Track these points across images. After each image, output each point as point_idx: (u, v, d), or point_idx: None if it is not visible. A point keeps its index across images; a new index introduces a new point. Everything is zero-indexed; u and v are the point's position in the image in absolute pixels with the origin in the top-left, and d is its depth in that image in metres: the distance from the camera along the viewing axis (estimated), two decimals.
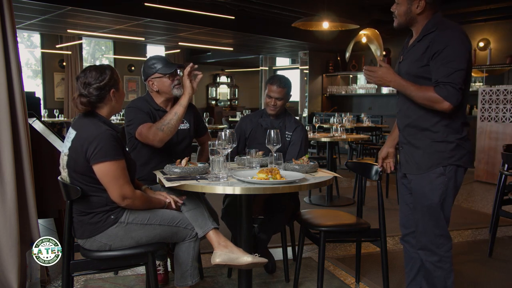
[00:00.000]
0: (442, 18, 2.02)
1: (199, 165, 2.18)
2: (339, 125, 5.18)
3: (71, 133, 1.98)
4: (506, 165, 3.35)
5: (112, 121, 2.16)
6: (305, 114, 10.87)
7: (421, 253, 2.12)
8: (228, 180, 1.97)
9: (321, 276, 2.39)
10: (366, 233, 2.50)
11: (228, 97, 15.51)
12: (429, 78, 1.96)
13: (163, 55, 13.38)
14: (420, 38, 2.03)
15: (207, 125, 7.34)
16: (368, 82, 2.17)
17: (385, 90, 10.21)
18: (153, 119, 2.48)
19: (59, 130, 8.53)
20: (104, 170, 1.89)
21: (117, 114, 8.08)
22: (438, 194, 2.02)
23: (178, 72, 2.58)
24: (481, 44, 8.64)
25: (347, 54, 6.94)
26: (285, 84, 2.83)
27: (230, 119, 10.47)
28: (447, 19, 2.03)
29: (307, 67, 10.87)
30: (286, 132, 2.88)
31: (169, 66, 2.51)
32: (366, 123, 7.20)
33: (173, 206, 2.10)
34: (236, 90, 15.63)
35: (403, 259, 2.33)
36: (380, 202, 2.46)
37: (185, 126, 2.63)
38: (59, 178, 2.02)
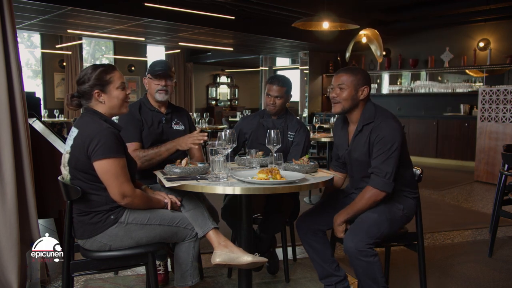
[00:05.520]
0: (375, 107, 2.27)
1: (199, 165, 2.19)
2: None
3: (73, 132, 1.98)
4: (506, 165, 3.35)
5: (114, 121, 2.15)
6: (305, 114, 10.86)
7: (350, 252, 2.13)
8: (228, 180, 1.97)
9: None
10: (405, 238, 2.38)
11: (228, 97, 15.52)
12: None
13: (163, 55, 13.36)
14: (361, 128, 2.23)
15: (207, 125, 7.43)
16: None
17: (385, 90, 10.21)
18: (145, 122, 2.56)
19: (59, 130, 8.51)
20: (105, 167, 1.89)
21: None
22: (387, 218, 2.17)
23: (172, 81, 2.63)
24: (481, 44, 8.63)
25: (347, 54, 6.95)
26: (284, 83, 2.82)
27: (230, 119, 10.46)
28: (379, 106, 2.30)
29: (307, 67, 10.87)
30: (289, 133, 2.85)
31: (159, 71, 2.58)
32: None
33: (169, 207, 2.09)
34: (236, 90, 15.64)
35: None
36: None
37: (180, 127, 2.70)
38: (59, 178, 2.02)
